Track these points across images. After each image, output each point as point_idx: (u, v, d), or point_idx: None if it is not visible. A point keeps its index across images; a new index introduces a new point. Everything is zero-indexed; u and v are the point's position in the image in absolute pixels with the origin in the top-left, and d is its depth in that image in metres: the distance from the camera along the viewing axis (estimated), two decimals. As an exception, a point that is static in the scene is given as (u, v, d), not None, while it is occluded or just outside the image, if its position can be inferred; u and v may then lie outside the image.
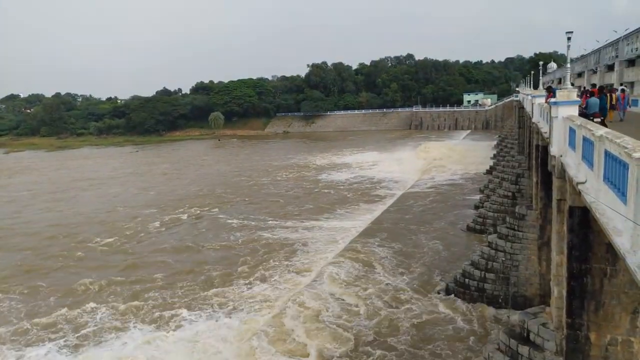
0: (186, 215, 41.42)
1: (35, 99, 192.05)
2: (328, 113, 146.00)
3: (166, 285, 25.27)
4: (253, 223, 37.24)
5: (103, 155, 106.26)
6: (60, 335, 20.59)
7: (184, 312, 21.84)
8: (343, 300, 21.95)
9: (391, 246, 28.85)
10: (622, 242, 5.77)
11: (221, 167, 74.79)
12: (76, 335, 20.53)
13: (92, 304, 23.30)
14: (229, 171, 69.21)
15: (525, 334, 11.76)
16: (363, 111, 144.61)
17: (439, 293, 21.85)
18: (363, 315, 20.36)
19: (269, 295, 23.39)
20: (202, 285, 25.12)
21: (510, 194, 27.27)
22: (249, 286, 24.64)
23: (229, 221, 38.25)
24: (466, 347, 17.09)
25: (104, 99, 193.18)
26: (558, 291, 11.16)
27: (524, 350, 11.30)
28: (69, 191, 58.54)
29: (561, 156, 11.30)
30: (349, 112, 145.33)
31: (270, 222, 37.26)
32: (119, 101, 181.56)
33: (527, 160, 26.06)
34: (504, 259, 19.72)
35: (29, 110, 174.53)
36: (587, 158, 8.68)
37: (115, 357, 18.32)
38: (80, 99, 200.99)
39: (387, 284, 23.28)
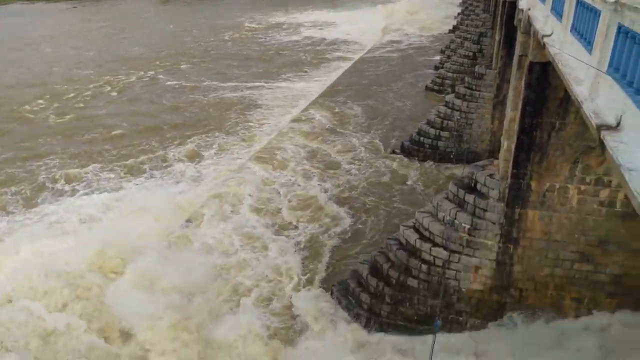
0: (134, 77, 39.00)
1: None
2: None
3: (109, 149, 24.65)
4: (206, 83, 35.97)
5: (37, 13, 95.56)
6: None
7: (129, 177, 21.76)
8: (306, 148, 22.64)
9: (349, 107, 29.14)
10: (581, 90, 6.00)
11: (167, 26, 69.17)
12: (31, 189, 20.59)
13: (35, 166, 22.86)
14: (175, 31, 64.07)
15: (473, 185, 12.68)
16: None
17: (394, 152, 22.74)
18: (320, 173, 21.14)
19: (229, 153, 23.72)
20: (149, 147, 24.67)
21: (471, 54, 27.20)
22: (204, 146, 24.72)
23: (177, 83, 36.61)
24: (418, 200, 18.45)
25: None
26: (507, 145, 11.83)
27: (470, 198, 12.28)
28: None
29: (529, 9, 11.14)
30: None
31: (222, 84, 35.98)
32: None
33: (492, 18, 25.61)
34: (459, 117, 20.44)
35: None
36: (557, 9, 8.63)
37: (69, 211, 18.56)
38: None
39: (344, 142, 24.00)
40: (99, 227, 17.01)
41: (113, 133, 26.62)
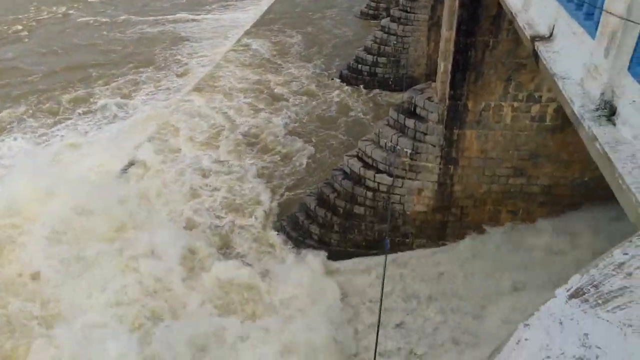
0: (45, 14, 35.35)
1: None
2: None
3: (29, 93, 22.59)
4: (123, 18, 33.22)
5: None
6: None
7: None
8: (247, 80, 22.08)
9: (287, 36, 28.23)
10: (514, 2, 5.96)
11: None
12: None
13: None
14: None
15: (412, 109, 12.78)
16: None
17: (332, 79, 22.42)
18: (264, 106, 20.64)
19: (163, 89, 22.65)
20: (73, 89, 22.87)
21: (404, -26, 26.54)
22: (134, 84, 23.34)
23: (92, 19, 33.51)
24: (360, 128, 18.52)
25: None
26: (444, 66, 11.87)
27: (410, 122, 12.41)
28: None
29: None
30: None
31: (141, 18, 33.31)
32: None
33: None
34: (395, 42, 20.23)
35: None
36: None
37: None
38: None
39: (286, 73, 23.41)
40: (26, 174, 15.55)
41: (31, 77, 24.41)
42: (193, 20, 32.59)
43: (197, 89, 21.95)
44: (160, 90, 22.63)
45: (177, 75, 24.20)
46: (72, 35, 30.67)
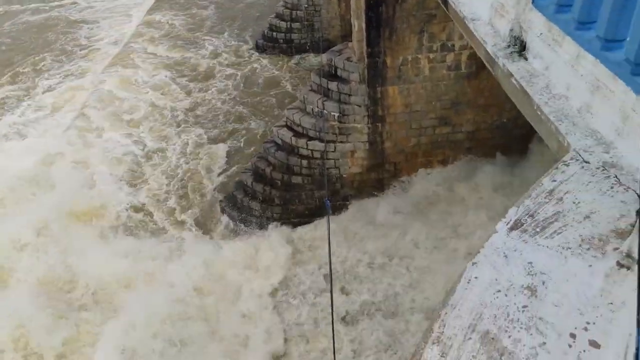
0: None
1: None
2: None
3: None
4: (37, 5, 30.11)
5: None
6: None
7: None
8: (164, 57, 21.49)
9: (197, 9, 26.97)
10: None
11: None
12: None
13: None
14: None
15: (333, 71, 12.75)
16: None
17: (249, 52, 21.86)
18: (188, 83, 19.84)
19: (72, 75, 21.26)
20: None
21: None
22: (35, 75, 21.58)
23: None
24: (286, 98, 18.29)
25: None
26: (358, 24, 11.88)
27: (333, 85, 12.39)
28: None
29: None
30: None
31: (18, 7, 30.33)
32: None
33: None
34: (306, 5, 19.93)
35: None
36: None
37: None
38: None
39: (206, 47, 22.56)
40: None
41: None
42: (84, 4, 29.82)
43: (111, 72, 20.67)
44: (69, 77, 21.14)
45: (85, 59, 22.69)
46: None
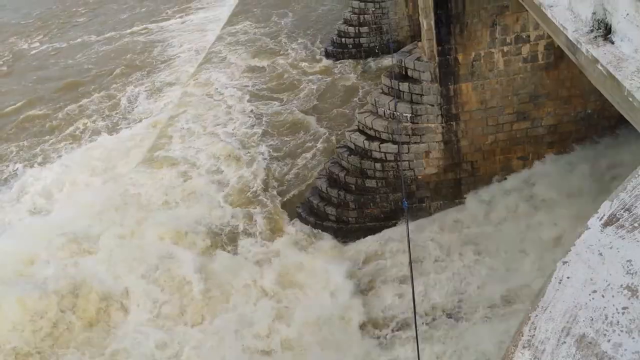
0: (42, 35, 34.80)
1: None
2: None
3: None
4: (79, 40, 32.11)
5: None
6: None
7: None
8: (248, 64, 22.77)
9: (274, 20, 27.77)
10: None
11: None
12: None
13: None
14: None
15: (404, 72, 12.59)
16: None
17: (318, 60, 22.12)
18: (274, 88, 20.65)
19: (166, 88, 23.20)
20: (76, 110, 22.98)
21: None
22: (132, 90, 23.56)
23: (50, 46, 32.86)
24: (356, 100, 18.35)
25: None
26: (427, 23, 11.66)
27: (404, 86, 12.24)
28: None
29: None
30: None
31: (116, 30, 32.71)
32: None
33: None
34: (374, 9, 19.89)
35: None
36: None
37: None
38: None
39: (284, 55, 23.18)
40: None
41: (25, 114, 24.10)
42: (157, 31, 31.40)
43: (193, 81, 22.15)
44: (163, 89, 23.03)
45: (165, 71, 24.67)
46: (40, 67, 29.67)
